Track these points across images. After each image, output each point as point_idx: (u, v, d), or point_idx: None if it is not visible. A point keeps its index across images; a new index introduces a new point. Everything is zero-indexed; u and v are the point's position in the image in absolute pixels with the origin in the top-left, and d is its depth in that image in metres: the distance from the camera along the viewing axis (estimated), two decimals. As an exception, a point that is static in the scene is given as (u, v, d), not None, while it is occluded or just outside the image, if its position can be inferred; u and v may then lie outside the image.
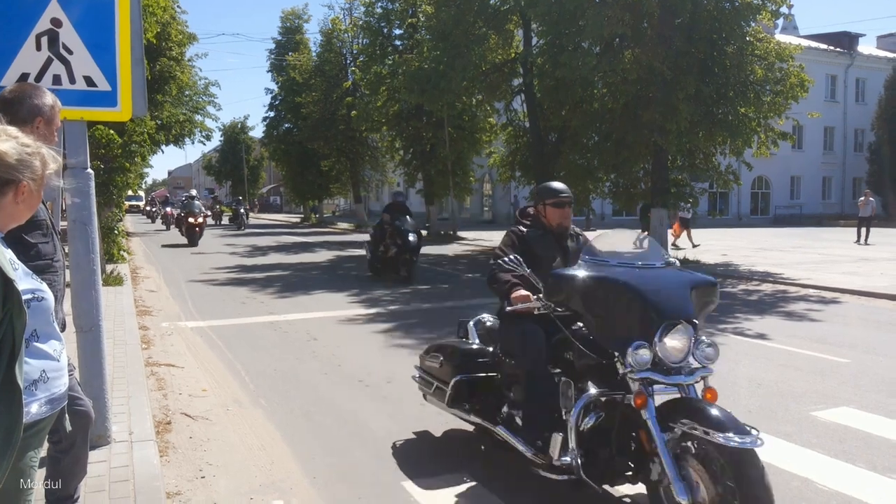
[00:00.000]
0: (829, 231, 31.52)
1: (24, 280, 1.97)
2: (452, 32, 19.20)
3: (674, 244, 21.33)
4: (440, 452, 4.60)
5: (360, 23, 28.81)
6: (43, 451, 3.16)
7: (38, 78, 3.98)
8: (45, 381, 2.05)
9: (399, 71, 22.65)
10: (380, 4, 27.37)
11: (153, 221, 44.52)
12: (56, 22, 4.03)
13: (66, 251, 3.16)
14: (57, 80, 4.06)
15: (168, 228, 32.79)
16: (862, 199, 23.63)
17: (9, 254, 1.94)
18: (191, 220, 22.87)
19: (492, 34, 20.08)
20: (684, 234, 21.97)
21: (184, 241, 23.56)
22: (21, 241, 2.84)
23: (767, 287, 13.18)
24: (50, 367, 2.07)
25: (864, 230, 22.76)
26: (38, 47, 4.01)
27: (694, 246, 21.08)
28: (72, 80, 4.11)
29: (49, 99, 2.99)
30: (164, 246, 23.04)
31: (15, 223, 2.01)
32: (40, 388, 2.04)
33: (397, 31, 28.07)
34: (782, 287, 13.09)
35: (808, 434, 4.91)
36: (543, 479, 4.08)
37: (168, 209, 35.53)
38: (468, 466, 4.34)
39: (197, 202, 24.13)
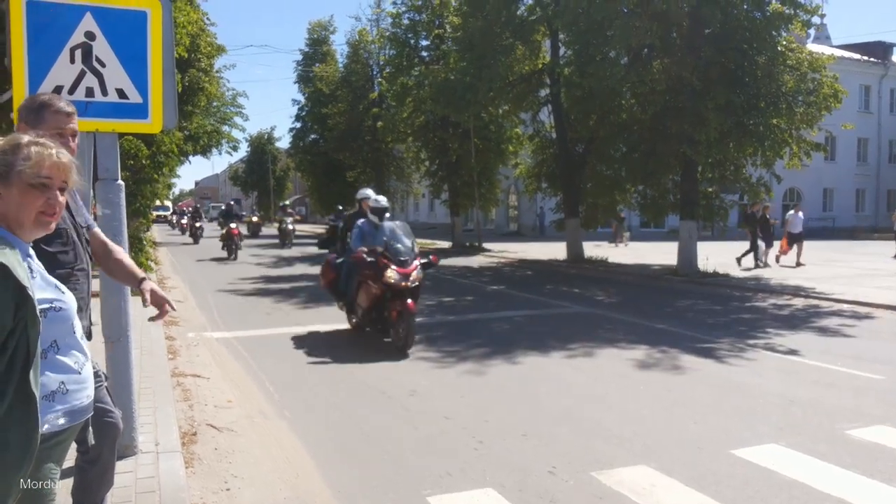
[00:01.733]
0: (862, 244, 30.90)
1: (44, 289, 1.96)
2: (479, 43, 19.24)
3: (778, 261, 19.54)
4: (464, 467, 4.56)
5: (387, 34, 28.98)
6: (70, 461, 3.18)
7: (72, 90, 4.03)
8: (63, 392, 2.02)
9: (425, 82, 22.75)
10: (406, 16, 27.55)
11: (196, 240, 30.82)
12: (90, 35, 4.09)
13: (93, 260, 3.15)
14: (90, 92, 4.11)
15: (232, 255, 22.11)
16: None
17: (31, 263, 1.94)
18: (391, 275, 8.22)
19: (519, 45, 20.06)
20: (792, 249, 19.43)
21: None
22: (39, 251, 2.84)
23: (799, 301, 12.93)
24: (70, 379, 2.05)
25: None
26: (72, 60, 4.06)
27: (798, 265, 18.79)
28: (104, 93, 4.15)
29: (35, 103, 2.90)
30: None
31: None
32: (58, 399, 2.01)
33: (424, 43, 28.19)
34: (814, 301, 12.84)
35: (842, 453, 4.78)
36: (569, 498, 4.03)
37: (233, 226, 22.45)
38: (492, 482, 4.29)
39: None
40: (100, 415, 3.06)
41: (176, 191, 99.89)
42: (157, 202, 22.15)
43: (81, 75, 4.09)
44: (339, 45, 62.59)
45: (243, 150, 60.16)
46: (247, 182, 65.31)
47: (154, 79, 4.29)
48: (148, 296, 2.96)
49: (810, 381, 6.87)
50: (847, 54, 42.64)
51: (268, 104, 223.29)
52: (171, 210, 57.44)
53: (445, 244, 29.65)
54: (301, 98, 41.85)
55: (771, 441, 5.02)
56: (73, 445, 2.90)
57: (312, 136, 41.12)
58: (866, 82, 44.33)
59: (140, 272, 3.23)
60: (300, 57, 43.04)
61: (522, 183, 26.39)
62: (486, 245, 27.39)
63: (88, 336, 2.95)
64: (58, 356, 2.01)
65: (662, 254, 21.63)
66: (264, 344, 8.70)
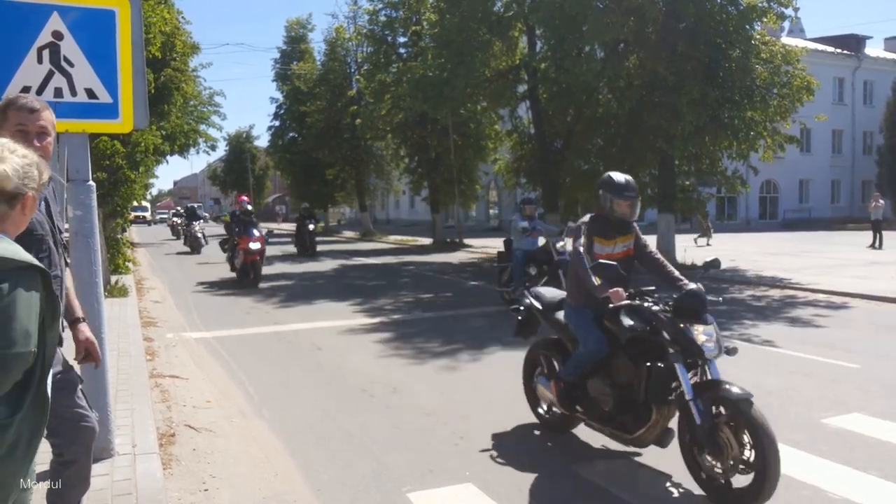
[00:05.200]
0: (838, 235, 31.31)
1: None
2: (456, 39, 19.20)
3: None
4: (445, 463, 4.56)
5: (364, 31, 28.86)
6: (46, 464, 3.14)
7: (40, 91, 3.97)
8: None
9: (403, 79, 22.68)
10: (383, 13, 27.44)
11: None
12: (57, 35, 4.03)
13: (68, 264, 3.11)
14: (58, 92, 4.05)
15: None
16: (872, 202, 23.42)
17: None
18: None
19: (496, 41, 20.07)
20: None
21: None
22: None
23: (775, 293, 13.08)
24: None
25: (877, 234, 22.52)
26: (40, 60, 4.00)
27: None
28: (73, 93, 4.10)
29: (1, 104, 2.87)
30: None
31: (18, 231, 2.02)
32: None
33: (401, 39, 28.14)
34: (790, 292, 12.99)
35: (818, 442, 4.85)
36: (549, 492, 4.04)
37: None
38: (473, 478, 4.30)
39: None
40: (76, 419, 3.04)
41: (154, 191, 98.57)
42: (135, 202, 21.91)
43: (49, 76, 4.03)
44: (317, 43, 62.29)
45: (222, 150, 59.67)
46: (225, 181, 64.83)
47: (124, 78, 4.24)
48: (81, 337, 3.07)
49: (786, 371, 6.96)
50: (821, 47, 43.10)
51: (246, 103, 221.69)
52: (172, 213, 54.72)
53: (426, 241, 29.64)
54: (279, 96, 41.61)
55: (747, 430, 5.07)
56: (50, 449, 2.87)
57: (291, 134, 40.86)
58: (840, 75, 44.86)
59: (79, 310, 3.21)
60: (278, 55, 42.80)
61: (502, 178, 26.44)
62: (466, 241, 27.42)
63: (59, 342, 2.88)
64: None
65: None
66: (244, 344, 8.65)
